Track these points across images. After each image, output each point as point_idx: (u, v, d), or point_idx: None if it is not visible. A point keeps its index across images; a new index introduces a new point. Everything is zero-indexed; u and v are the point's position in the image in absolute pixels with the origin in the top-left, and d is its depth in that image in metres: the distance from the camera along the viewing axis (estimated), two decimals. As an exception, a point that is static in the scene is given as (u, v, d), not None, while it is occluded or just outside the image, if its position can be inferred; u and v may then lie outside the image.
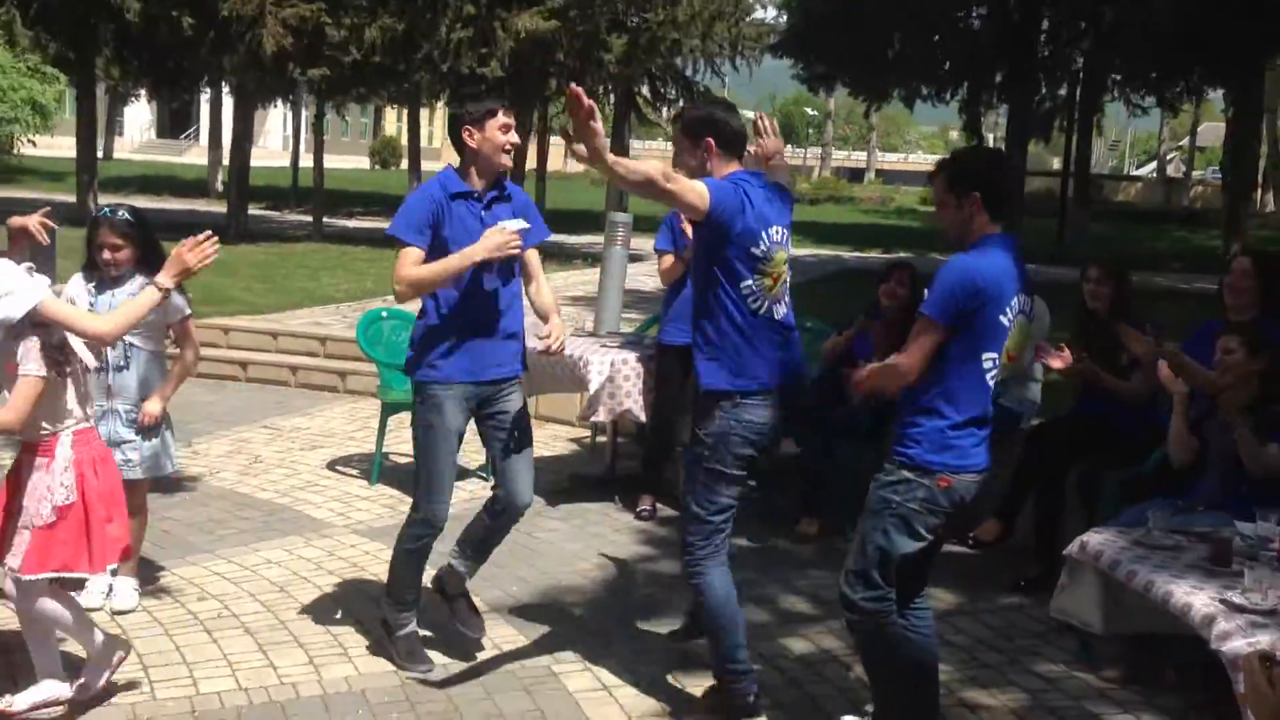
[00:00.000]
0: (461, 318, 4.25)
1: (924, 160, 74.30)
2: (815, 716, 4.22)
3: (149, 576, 5.15)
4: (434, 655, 4.48)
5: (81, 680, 4.00)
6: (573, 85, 3.47)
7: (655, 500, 6.49)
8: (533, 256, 4.43)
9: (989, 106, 21.15)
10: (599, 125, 3.47)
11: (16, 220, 4.13)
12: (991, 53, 17.34)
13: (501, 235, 4.11)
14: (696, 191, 3.69)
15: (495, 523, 4.46)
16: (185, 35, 18.12)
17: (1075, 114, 20.51)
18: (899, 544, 3.61)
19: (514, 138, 4.27)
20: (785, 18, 22.11)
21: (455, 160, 4.38)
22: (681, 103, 27.01)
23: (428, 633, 4.60)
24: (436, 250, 4.19)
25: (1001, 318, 3.52)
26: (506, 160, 4.31)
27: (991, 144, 20.51)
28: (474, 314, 4.26)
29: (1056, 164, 37.31)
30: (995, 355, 3.54)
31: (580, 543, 5.96)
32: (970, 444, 3.57)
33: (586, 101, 3.40)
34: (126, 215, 4.75)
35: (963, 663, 4.67)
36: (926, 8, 16.66)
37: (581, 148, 3.51)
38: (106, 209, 4.84)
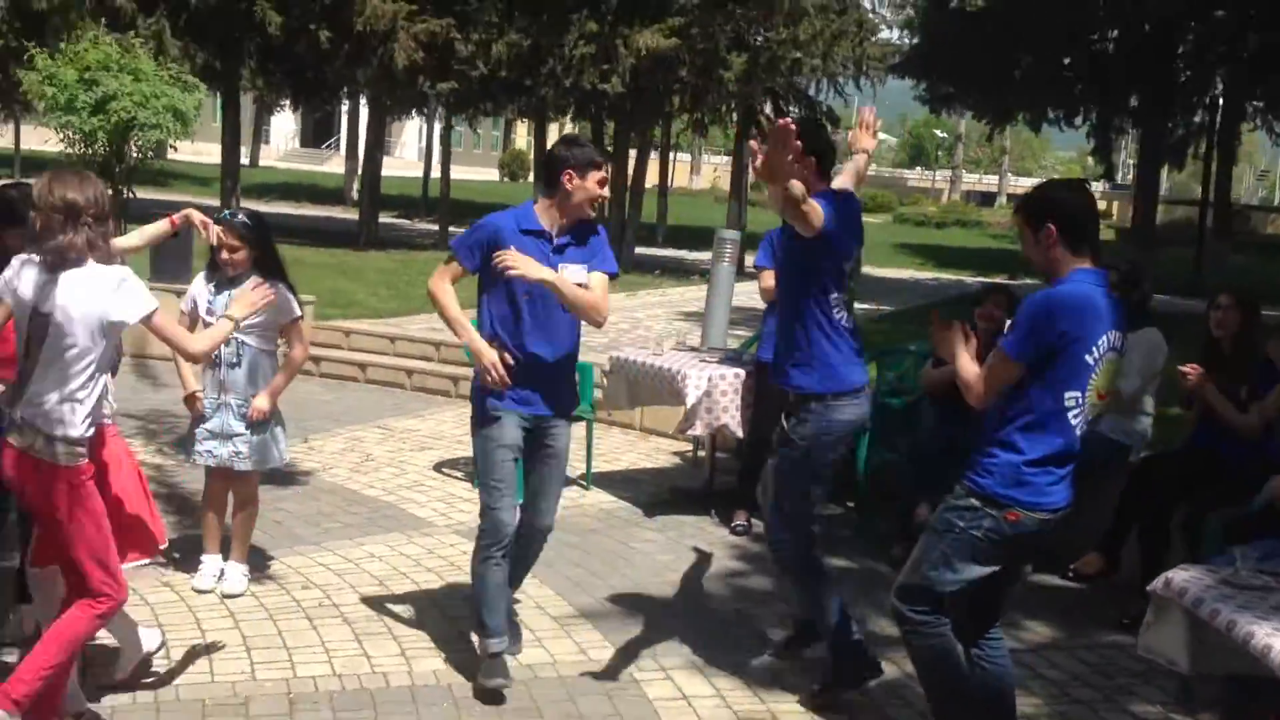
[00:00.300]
0: (519, 349, 4.28)
1: (1058, 186, 72.36)
2: (894, 738, 4.20)
3: (258, 564, 5.38)
4: (523, 654, 4.59)
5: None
6: (784, 120, 3.55)
7: (750, 516, 6.50)
8: (597, 283, 4.37)
9: (1120, 132, 20.58)
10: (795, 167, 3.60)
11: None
12: (1124, 75, 16.88)
13: (486, 359, 4.22)
14: (818, 212, 3.89)
15: (519, 547, 4.48)
16: (323, 48, 18.79)
17: (1214, 141, 19.85)
18: (955, 568, 3.58)
19: (606, 192, 4.44)
20: (909, 37, 21.88)
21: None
22: (806, 122, 26.96)
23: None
24: (494, 277, 4.22)
25: (1087, 357, 3.43)
26: (591, 212, 4.38)
27: (1123, 171, 19.86)
28: (529, 347, 4.28)
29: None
30: (1079, 395, 3.46)
31: (673, 554, 6.02)
32: (1045, 482, 3.50)
33: (795, 143, 3.48)
34: (244, 218, 4.99)
35: (1053, 697, 4.59)
36: (1055, 28, 16.30)
37: (780, 186, 3.62)
38: (227, 212, 5.10)
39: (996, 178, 75.31)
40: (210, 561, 5.20)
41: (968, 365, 3.58)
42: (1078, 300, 3.43)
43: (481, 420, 4.36)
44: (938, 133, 79.05)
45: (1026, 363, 3.43)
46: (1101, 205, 61.19)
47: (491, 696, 4.24)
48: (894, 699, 4.51)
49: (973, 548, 3.55)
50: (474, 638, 4.58)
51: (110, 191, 3.94)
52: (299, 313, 5.11)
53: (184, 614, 4.82)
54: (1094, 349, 3.42)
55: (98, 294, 3.51)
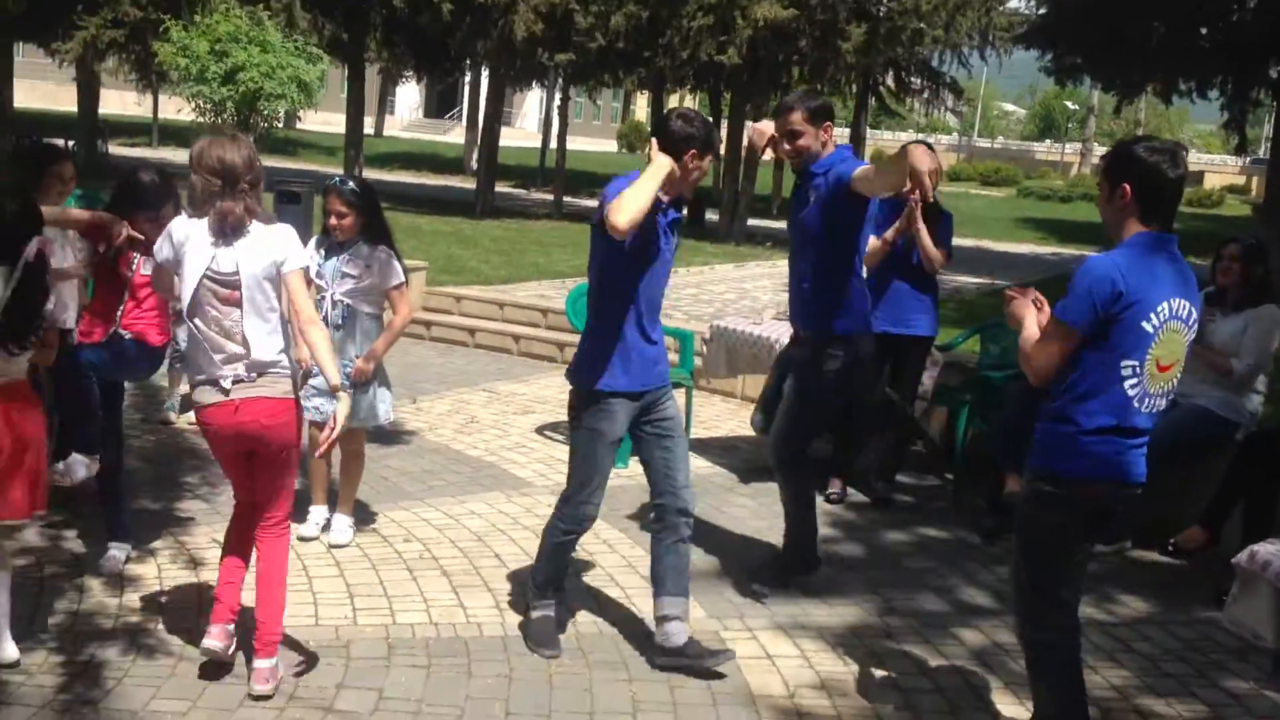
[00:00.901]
0: (627, 326, 4.19)
1: (1196, 160, 69.77)
2: (975, 705, 4.21)
3: (364, 516, 5.61)
4: (610, 607, 4.72)
5: None
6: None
7: (845, 483, 6.53)
8: None
9: (1256, 104, 19.72)
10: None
11: None
12: (1261, 45, 16.14)
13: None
14: None
15: (668, 540, 4.34)
16: (445, 20, 19.11)
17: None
18: (1048, 563, 3.47)
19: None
20: (1036, 7, 21.25)
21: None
22: (927, 93, 26.49)
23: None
24: (612, 244, 4.05)
25: (1144, 324, 3.27)
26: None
27: (1265, 146, 19.00)
28: (637, 321, 4.20)
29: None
30: (1136, 363, 3.30)
31: (765, 520, 6.07)
32: (1109, 451, 3.35)
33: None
34: (353, 185, 5.18)
35: (1144, 670, 4.54)
36: (1191, -3, 15.69)
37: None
38: (337, 179, 5.28)
39: (1129, 151, 72.68)
40: (317, 512, 5.43)
41: (1030, 335, 3.44)
42: (1133, 264, 3.27)
43: (590, 412, 4.23)
44: (1069, 104, 76.67)
45: (1082, 330, 3.29)
46: (1239, 180, 58.27)
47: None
48: (979, 665, 4.51)
49: (1052, 533, 3.44)
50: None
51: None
52: (402, 278, 5.26)
53: (292, 560, 5.03)
54: (1153, 315, 3.27)
55: (274, 249, 3.78)
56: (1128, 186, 3.30)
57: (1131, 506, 3.47)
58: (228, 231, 3.74)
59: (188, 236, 3.80)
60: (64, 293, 4.38)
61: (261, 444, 3.89)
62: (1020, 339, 3.47)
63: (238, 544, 4.11)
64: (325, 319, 5.10)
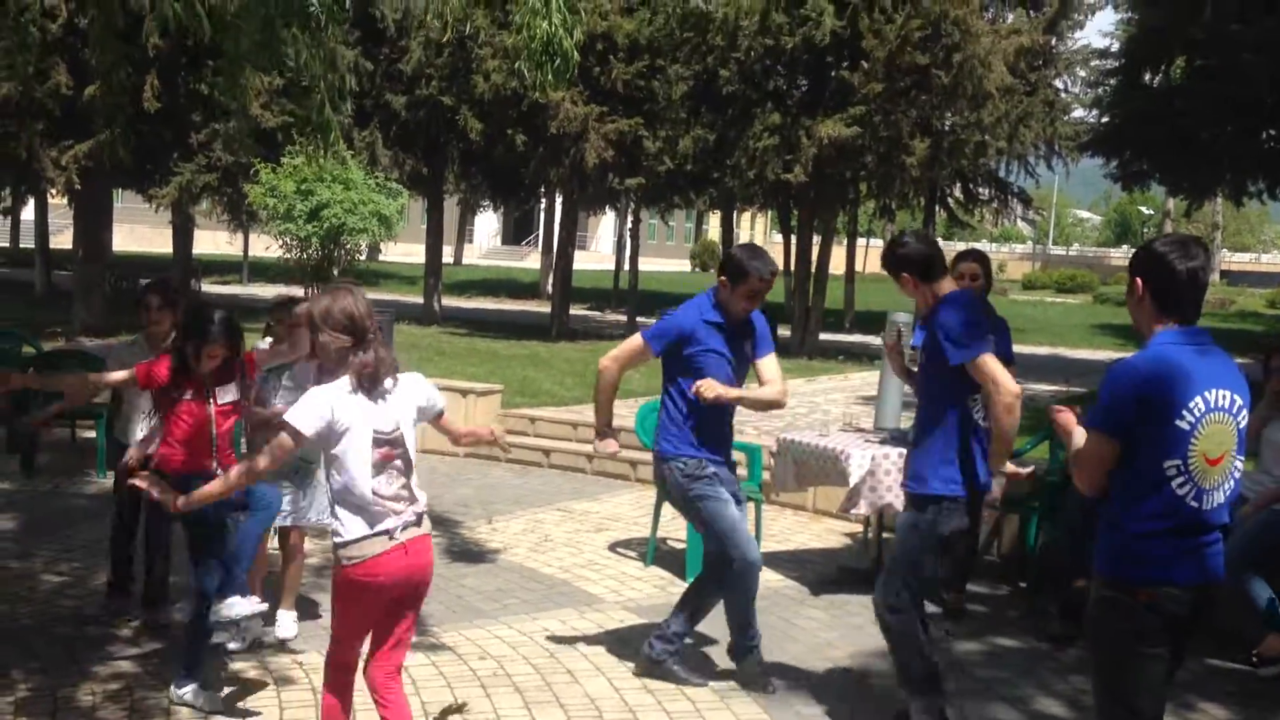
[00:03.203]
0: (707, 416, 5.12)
1: (1278, 260, 68.60)
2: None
3: (439, 635, 5.75)
4: (678, 723, 4.77)
5: None
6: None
7: (918, 596, 6.51)
8: (766, 365, 5.24)
9: (1329, 201, 19.59)
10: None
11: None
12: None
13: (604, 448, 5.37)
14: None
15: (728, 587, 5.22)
16: (519, 151, 19.84)
17: None
18: (1121, 672, 3.39)
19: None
20: (1099, 115, 21.42)
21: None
22: (995, 203, 26.63)
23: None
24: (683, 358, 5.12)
25: (1179, 422, 3.22)
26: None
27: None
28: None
29: None
30: (1179, 462, 3.24)
31: (836, 632, 6.08)
32: (1167, 554, 3.29)
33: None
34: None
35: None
36: (1253, 97, 15.69)
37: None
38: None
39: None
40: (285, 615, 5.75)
41: (1078, 446, 3.44)
42: (1155, 365, 3.26)
43: (698, 483, 5.09)
44: (1143, 209, 76.20)
45: (1117, 436, 3.28)
46: (1325, 276, 56.83)
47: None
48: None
49: (1122, 644, 3.37)
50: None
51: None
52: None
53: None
54: (1185, 413, 3.23)
55: (419, 397, 3.87)
56: (1139, 281, 3.34)
57: (1211, 608, 3.38)
58: (379, 383, 3.72)
59: (331, 403, 3.68)
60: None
61: (414, 588, 3.88)
62: (1070, 451, 3.48)
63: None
64: None
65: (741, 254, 5.10)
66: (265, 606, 5.00)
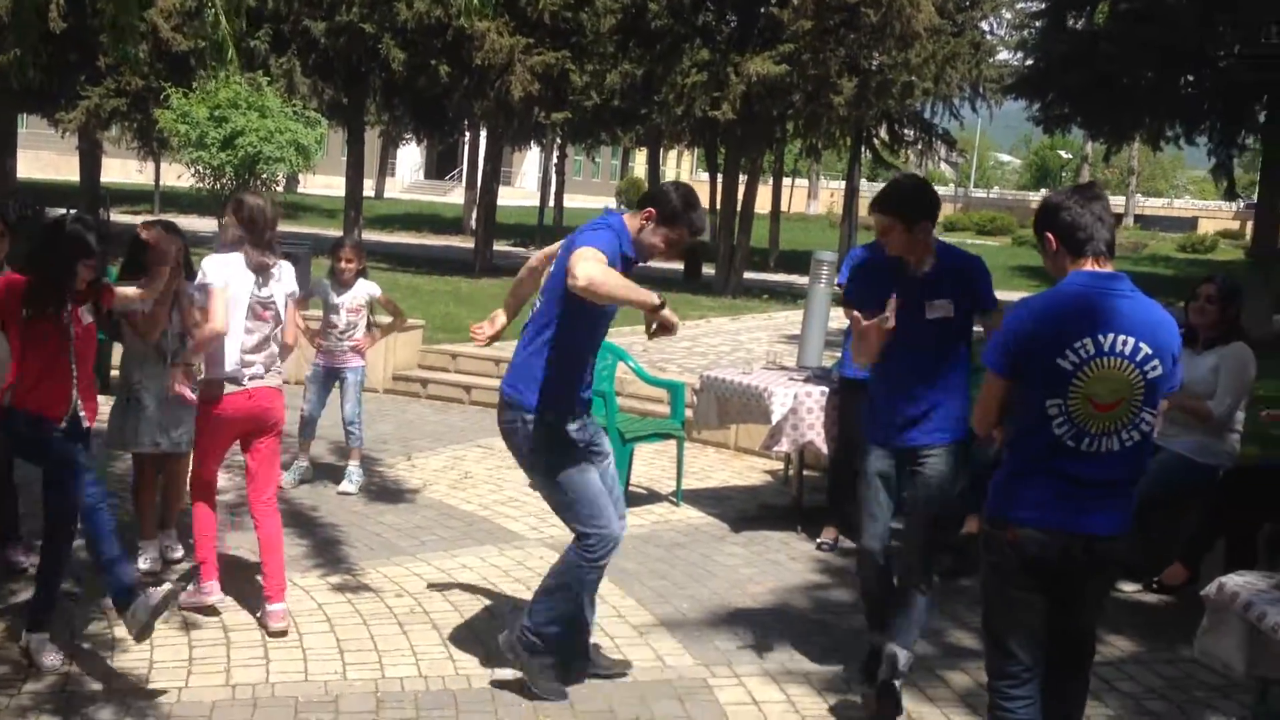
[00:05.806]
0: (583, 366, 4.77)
1: (1190, 205, 70.14)
2: (960, 748, 4.23)
3: (356, 572, 5.68)
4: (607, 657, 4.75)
5: None
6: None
7: (838, 533, 6.57)
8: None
9: (1242, 148, 19.92)
10: None
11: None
12: (1246, 88, 16.35)
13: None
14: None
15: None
16: (443, 83, 19.41)
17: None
18: (995, 614, 3.44)
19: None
20: (1024, 58, 21.58)
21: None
22: (920, 145, 26.80)
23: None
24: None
25: (1060, 360, 3.19)
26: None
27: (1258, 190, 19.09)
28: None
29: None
30: (1060, 401, 3.22)
31: (756, 568, 6.12)
32: (1036, 496, 3.26)
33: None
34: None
35: (1126, 710, 4.57)
36: (1177, 42, 15.85)
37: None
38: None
39: (1124, 199, 73.43)
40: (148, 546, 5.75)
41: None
42: (1047, 302, 3.27)
43: (563, 446, 4.55)
44: (1062, 154, 77.33)
45: (1006, 373, 3.30)
46: (1233, 225, 58.24)
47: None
48: (964, 709, 4.53)
49: (994, 576, 3.40)
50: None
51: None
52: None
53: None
54: (1069, 352, 3.19)
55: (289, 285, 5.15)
56: (1050, 235, 3.33)
57: (1089, 559, 3.30)
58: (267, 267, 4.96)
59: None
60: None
61: (265, 426, 5.05)
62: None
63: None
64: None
65: (678, 198, 4.44)
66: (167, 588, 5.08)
